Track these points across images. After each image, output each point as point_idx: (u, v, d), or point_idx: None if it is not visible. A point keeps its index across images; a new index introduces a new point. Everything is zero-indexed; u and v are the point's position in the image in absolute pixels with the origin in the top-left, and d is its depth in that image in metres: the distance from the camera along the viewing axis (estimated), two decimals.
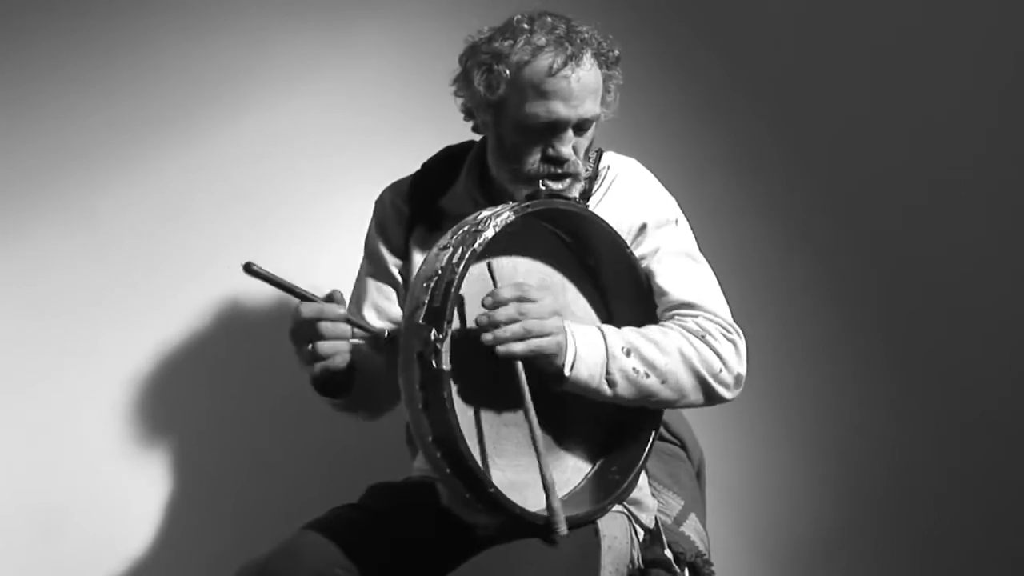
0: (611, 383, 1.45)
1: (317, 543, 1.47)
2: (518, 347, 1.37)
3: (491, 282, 1.42)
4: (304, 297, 1.42)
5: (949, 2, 2.45)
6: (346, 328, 1.43)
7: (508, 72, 1.53)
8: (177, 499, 2.12)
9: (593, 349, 1.44)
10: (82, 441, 2.07)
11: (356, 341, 1.65)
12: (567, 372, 1.42)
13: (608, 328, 1.49)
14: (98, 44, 2.12)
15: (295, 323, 1.43)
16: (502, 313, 1.37)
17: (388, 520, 1.57)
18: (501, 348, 1.36)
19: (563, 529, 1.37)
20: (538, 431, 1.37)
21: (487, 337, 1.36)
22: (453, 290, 1.33)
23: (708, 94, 2.43)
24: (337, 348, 1.42)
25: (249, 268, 1.38)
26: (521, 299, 1.38)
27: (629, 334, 1.49)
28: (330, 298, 1.43)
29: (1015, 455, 2.42)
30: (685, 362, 1.50)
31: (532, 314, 1.37)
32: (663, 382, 1.48)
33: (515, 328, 1.36)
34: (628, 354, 1.46)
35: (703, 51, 2.43)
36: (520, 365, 1.38)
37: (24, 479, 2.04)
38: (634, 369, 1.46)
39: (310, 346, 1.42)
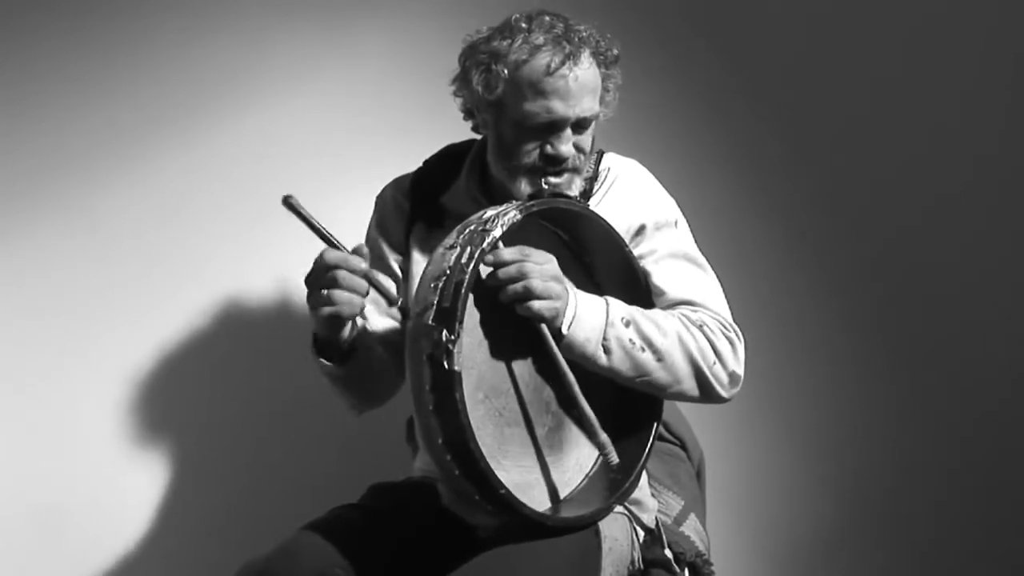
0: (607, 350, 1.45)
1: (317, 543, 1.47)
2: (516, 309, 1.38)
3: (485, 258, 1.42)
4: (331, 243, 1.43)
5: (951, 1, 2.45)
6: (363, 283, 1.43)
7: (506, 71, 1.53)
8: (177, 499, 2.12)
9: (593, 313, 1.45)
10: (82, 441, 2.07)
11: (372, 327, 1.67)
12: (564, 330, 1.42)
13: (612, 299, 1.50)
14: (98, 44, 2.11)
15: (316, 266, 1.44)
16: (503, 272, 1.37)
17: (388, 520, 1.57)
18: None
19: (614, 458, 1.42)
20: (571, 377, 1.42)
21: None
22: (463, 290, 1.32)
23: (708, 94, 2.43)
24: (351, 299, 1.42)
25: (287, 201, 1.40)
26: (520, 260, 1.38)
27: (631, 308, 1.50)
28: (356, 251, 1.43)
29: (1015, 456, 2.42)
30: (682, 346, 1.50)
31: (534, 275, 1.38)
32: (659, 360, 1.48)
33: (516, 288, 1.37)
34: (627, 325, 1.47)
35: (703, 51, 2.43)
36: (545, 328, 1.40)
37: (24, 479, 2.03)
38: (631, 340, 1.46)
39: (325, 292, 1.42)
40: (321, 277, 1.43)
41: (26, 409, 2.04)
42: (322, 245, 1.44)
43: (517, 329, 1.47)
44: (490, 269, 1.39)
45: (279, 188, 2.16)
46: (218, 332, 2.15)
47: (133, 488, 2.09)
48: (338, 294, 1.42)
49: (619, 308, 1.48)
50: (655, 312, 1.53)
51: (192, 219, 2.14)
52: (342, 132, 2.23)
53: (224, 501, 2.14)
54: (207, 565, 2.02)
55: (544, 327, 1.41)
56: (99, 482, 2.07)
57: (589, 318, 1.44)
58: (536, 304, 1.38)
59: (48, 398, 2.05)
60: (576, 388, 1.43)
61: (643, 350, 1.47)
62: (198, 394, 2.14)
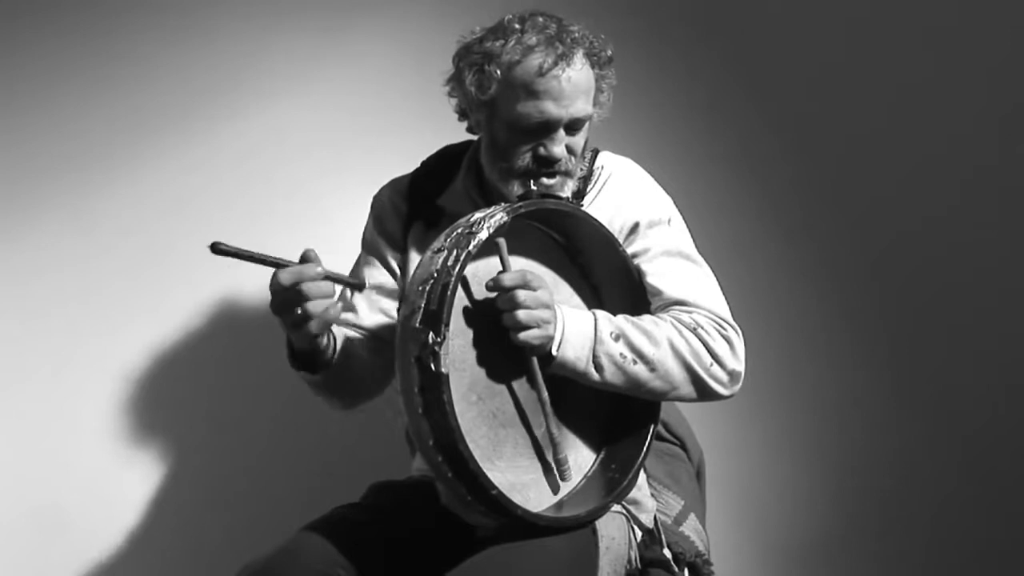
0: (598, 367, 1.46)
1: (317, 543, 1.47)
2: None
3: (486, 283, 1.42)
4: (279, 264, 1.38)
5: (953, 1, 2.45)
6: (329, 286, 1.40)
7: (499, 72, 1.53)
8: (177, 499, 2.12)
9: (581, 331, 1.45)
10: (81, 441, 2.08)
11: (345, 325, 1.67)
12: (554, 351, 1.43)
13: (601, 313, 1.50)
14: (96, 44, 2.12)
15: (276, 293, 1.38)
16: (499, 302, 1.40)
17: (389, 520, 1.57)
18: None
19: (570, 475, 1.46)
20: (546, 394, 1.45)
21: None
22: (449, 293, 1.33)
23: (706, 93, 2.43)
24: (327, 304, 1.39)
25: (216, 247, 1.34)
26: (520, 287, 1.39)
27: (621, 321, 1.50)
28: (304, 258, 1.39)
29: (1016, 456, 2.41)
30: (675, 353, 1.50)
31: (527, 303, 1.39)
32: (652, 371, 1.48)
33: (504, 320, 1.40)
34: (616, 339, 1.47)
35: (702, 50, 2.43)
36: (535, 360, 1.43)
37: (22, 479, 2.04)
38: (621, 355, 1.46)
39: (299, 310, 1.38)
40: (286, 299, 1.38)
41: (24, 409, 2.05)
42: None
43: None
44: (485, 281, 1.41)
45: (278, 188, 2.19)
46: (217, 332, 2.15)
47: (132, 488, 2.10)
48: (312, 306, 1.38)
49: (607, 323, 1.48)
50: (645, 320, 1.52)
51: (190, 220, 2.14)
52: (342, 132, 2.23)
53: (224, 501, 2.14)
54: (207, 565, 2.03)
55: (535, 363, 1.43)
56: (98, 482, 2.07)
57: (577, 337, 1.45)
58: (522, 335, 1.40)
59: (47, 398, 2.06)
60: (549, 407, 1.45)
61: (635, 363, 1.47)
62: (198, 394, 2.14)
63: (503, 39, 1.54)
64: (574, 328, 1.45)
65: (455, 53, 1.61)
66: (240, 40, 2.19)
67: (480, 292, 1.44)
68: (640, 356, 1.47)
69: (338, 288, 1.47)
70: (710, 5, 2.44)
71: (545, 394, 1.45)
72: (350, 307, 1.70)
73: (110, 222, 2.11)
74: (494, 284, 1.40)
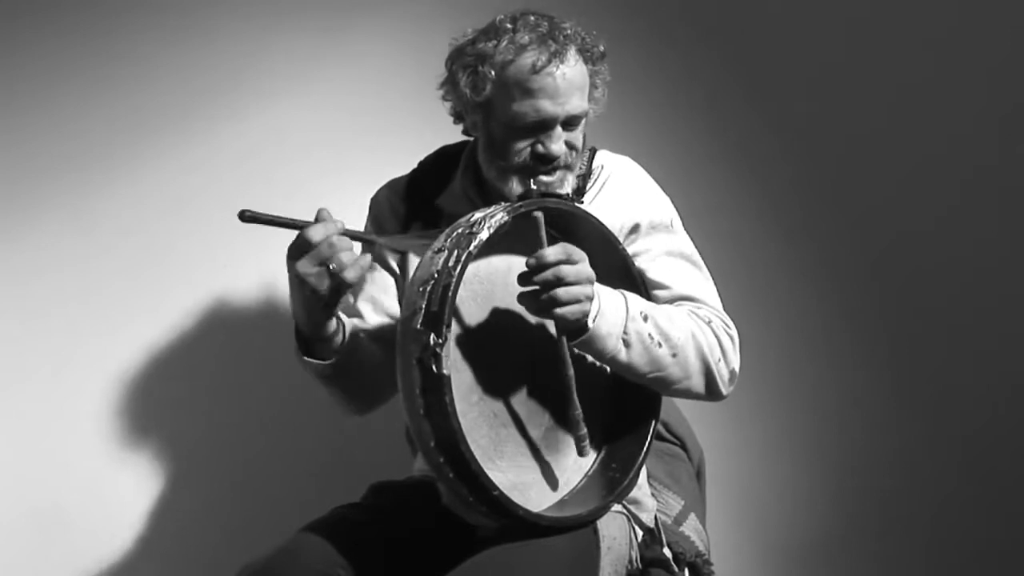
0: (627, 344, 1.45)
1: (317, 543, 1.47)
2: (552, 313, 1.39)
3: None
4: (301, 226, 1.38)
5: (953, 1, 2.45)
6: (348, 240, 1.39)
7: (493, 72, 1.53)
8: (177, 499, 2.12)
9: (615, 306, 1.45)
10: (81, 441, 2.07)
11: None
12: (590, 323, 1.42)
13: (628, 293, 1.50)
14: (97, 44, 2.11)
15: (305, 251, 1.37)
16: (539, 279, 1.37)
17: (389, 520, 1.57)
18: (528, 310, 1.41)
19: (589, 451, 1.47)
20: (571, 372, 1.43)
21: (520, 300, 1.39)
22: (451, 294, 1.32)
23: (705, 93, 2.43)
24: (353, 258, 1.39)
25: (244, 215, 1.36)
26: (563, 262, 1.37)
27: (646, 303, 1.50)
28: (320, 217, 1.39)
29: (1016, 456, 2.41)
30: (694, 342, 1.51)
31: (569, 278, 1.37)
32: (673, 355, 1.48)
33: (543, 299, 1.37)
34: (645, 319, 1.47)
35: (702, 50, 2.43)
36: (565, 341, 1.42)
37: (23, 479, 2.04)
38: (649, 335, 1.46)
39: (333, 264, 1.37)
40: (318, 254, 1.37)
41: (24, 409, 2.04)
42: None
43: (513, 329, 1.47)
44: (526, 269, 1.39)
45: (277, 188, 2.19)
46: (217, 332, 2.15)
47: (132, 488, 2.09)
48: (346, 256, 1.37)
49: (637, 302, 1.48)
50: (667, 307, 1.54)
51: (190, 220, 2.14)
52: (342, 132, 2.23)
53: (224, 501, 2.14)
54: (207, 566, 2.03)
55: (565, 346, 1.42)
56: (98, 482, 2.07)
57: (611, 311, 1.44)
58: (560, 311, 1.38)
59: (47, 398, 2.05)
60: (573, 382, 1.43)
61: (660, 345, 1.47)
62: (197, 394, 2.14)
63: (495, 39, 1.53)
64: (609, 304, 1.44)
65: (447, 56, 1.61)
66: (240, 40, 2.19)
67: (481, 292, 1.44)
68: (666, 339, 1.48)
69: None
70: (710, 5, 2.44)
71: (571, 371, 1.43)
72: (354, 312, 1.70)
73: (110, 222, 2.11)
74: (536, 261, 1.37)
